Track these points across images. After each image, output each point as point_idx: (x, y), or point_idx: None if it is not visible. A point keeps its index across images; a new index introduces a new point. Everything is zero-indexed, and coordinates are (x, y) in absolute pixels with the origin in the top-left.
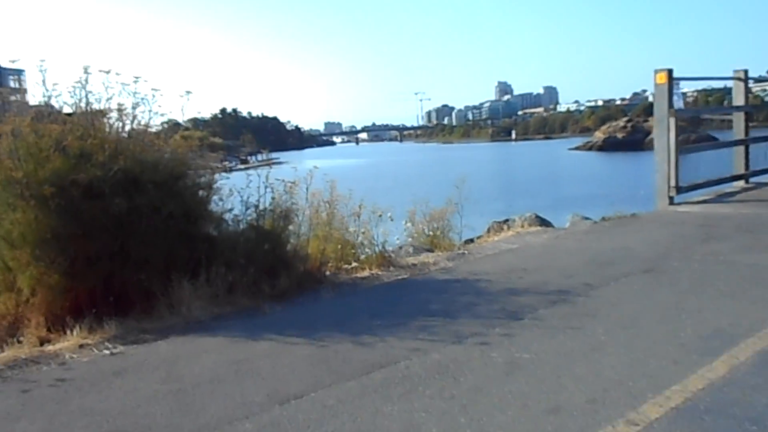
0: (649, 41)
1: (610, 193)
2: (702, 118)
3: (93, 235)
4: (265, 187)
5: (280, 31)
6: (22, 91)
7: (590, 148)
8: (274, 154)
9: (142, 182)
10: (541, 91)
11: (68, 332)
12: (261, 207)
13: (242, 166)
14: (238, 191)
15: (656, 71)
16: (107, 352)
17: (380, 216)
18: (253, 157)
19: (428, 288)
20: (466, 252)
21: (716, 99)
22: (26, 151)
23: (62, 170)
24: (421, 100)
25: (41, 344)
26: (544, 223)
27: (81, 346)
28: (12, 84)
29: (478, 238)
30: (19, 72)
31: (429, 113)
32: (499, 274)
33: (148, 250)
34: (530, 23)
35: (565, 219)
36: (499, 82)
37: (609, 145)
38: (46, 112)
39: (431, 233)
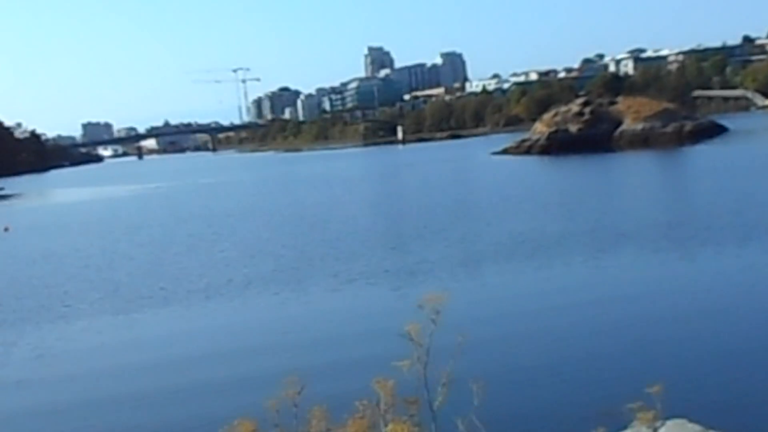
0: None
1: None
2: (696, 97)
3: None
4: None
5: None
6: None
7: (527, 151)
8: None
9: None
10: (439, 61)
11: None
12: None
13: None
14: None
15: None
16: None
17: None
18: None
19: None
20: None
21: (714, 63)
22: None
23: None
24: (244, 82)
25: None
26: None
27: None
28: None
29: None
30: None
31: (258, 102)
32: None
33: None
34: None
35: None
36: (371, 50)
37: (558, 145)
38: None
39: None
